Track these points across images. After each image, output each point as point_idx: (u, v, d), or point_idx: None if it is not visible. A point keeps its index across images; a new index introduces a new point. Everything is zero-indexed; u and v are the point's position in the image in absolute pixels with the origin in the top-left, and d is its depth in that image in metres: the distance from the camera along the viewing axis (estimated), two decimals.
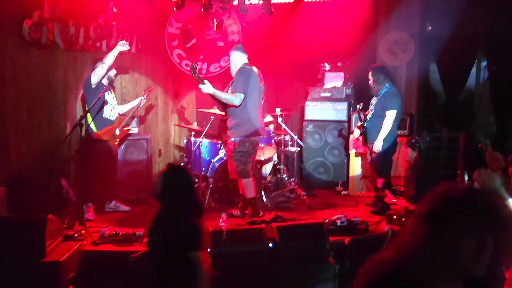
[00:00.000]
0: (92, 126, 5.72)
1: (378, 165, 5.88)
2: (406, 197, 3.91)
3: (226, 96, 5.43)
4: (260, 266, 4.11)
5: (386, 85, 5.80)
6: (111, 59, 5.62)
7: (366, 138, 5.95)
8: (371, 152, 5.90)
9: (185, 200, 3.34)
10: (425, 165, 3.85)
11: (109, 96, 5.91)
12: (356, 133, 6.11)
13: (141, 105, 6.40)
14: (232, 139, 5.53)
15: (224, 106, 5.64)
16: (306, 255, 4.25)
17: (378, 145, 5.73)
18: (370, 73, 5.89)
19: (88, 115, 5.64)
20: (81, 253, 4.45)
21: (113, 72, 5.97)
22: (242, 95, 5.40)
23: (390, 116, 5.70)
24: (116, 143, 5.89)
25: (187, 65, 7.91)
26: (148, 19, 7.40)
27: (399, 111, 5.80)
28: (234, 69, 5.73)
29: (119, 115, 6.06)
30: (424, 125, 7.31)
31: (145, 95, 6.31)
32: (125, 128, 6.09)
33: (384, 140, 5.74)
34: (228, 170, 5.76)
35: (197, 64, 5.45)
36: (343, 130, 7.34)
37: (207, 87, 5.41)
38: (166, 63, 7.86)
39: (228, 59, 6.12)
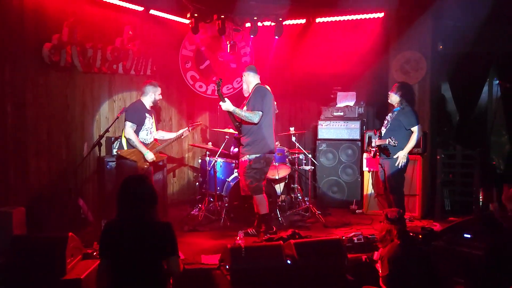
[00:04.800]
0: (124, 144, 5.68)
1: (392, 183, 5.87)
2: (381, 277, 3.93)
3: (245, 113, 5.51)
4: (278, 283, 4.11)
5: (403, 103, 5.86)
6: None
7: (380, 154, 5.96)
8: (384, 169, 5.92)
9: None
10: (401, 245, 3.76)
11: (148, 121, 5.82)
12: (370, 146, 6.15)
13: (183, 137, 6.30)
14: (248, 156, 5.58)
15: (239, 124, 5.72)
16: (324, 271, 4.25)
17: (401, 154, 5.73)
18: (390, 90, 6.00)
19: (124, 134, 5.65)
20: None
21: (159, 97, 5.91)
22: (261, 113, 5.49)
23: (417, 130, 5.77)
24: (146, 166, 5.71)
25: (200, 86, 8.05)
26: (163, 42, 7.55)
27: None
28: (246, 89, 5.82)
29: (155, 140, 5.95)
30: (437, 143, 7.32)
31: (189, 129, 6.22)
32: (160, 154, 5.93)
33: (396, 158, 5.77)
34: (240, 187, 5.81)
35: (221, 81, 5.55)
36: (357, 149, 7.37)
37: (227, 105, 5.52)
38: (180, 85, 7.99)
39: (241, 81, 6.21)
